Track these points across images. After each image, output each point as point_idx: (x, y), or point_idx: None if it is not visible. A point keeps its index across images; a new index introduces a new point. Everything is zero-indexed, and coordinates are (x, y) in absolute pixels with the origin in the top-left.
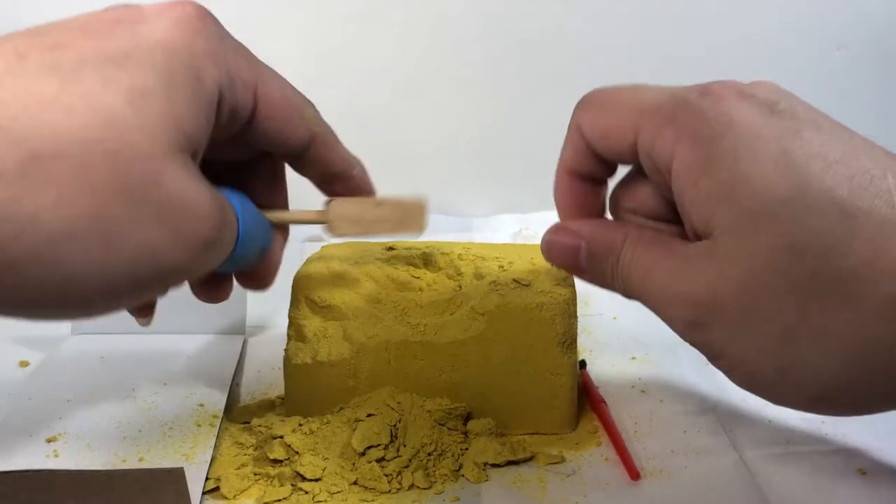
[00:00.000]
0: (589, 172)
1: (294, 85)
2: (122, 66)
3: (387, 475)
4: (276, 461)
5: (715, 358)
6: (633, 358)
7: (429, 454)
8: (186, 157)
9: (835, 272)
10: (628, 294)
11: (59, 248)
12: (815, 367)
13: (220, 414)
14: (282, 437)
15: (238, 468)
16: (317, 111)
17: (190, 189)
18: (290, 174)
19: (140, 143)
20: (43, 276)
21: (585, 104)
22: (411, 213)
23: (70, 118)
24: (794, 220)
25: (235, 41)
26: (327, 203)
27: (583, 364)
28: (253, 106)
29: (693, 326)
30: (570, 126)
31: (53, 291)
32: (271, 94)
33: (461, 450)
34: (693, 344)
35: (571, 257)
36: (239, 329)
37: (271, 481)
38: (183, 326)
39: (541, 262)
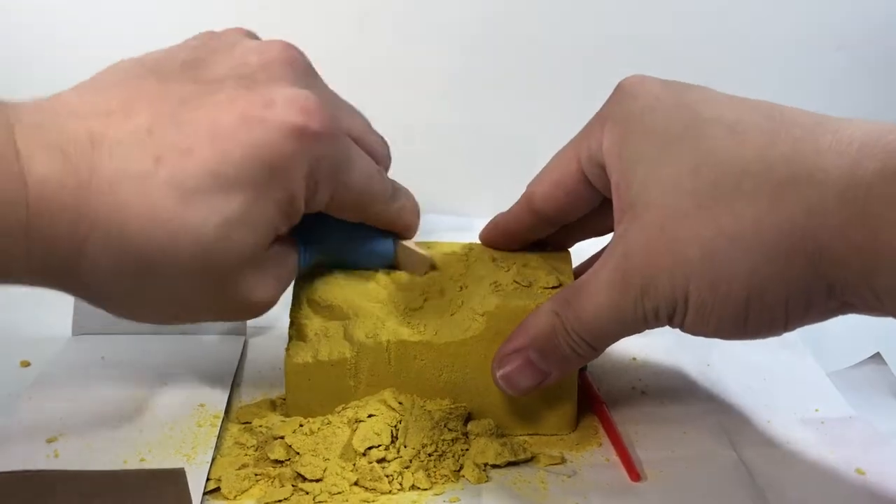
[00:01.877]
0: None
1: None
2: (225, 193)
3: (387, 476)
4: (276, 461)
5: (683, 314)
6: (633, 359)
7: (429, 455)
8: (264, 255)
9: (731, 176)
10: (597, 340)
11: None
12: (738, 272)
13: (221, 414)
14: (282, 437)
15: (239, 468)
16: (386, 195)
17: (258, 291)
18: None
19: (225, 266)
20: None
21: (531, 184)
22: (421, 265)
23: (174, 240)
24: (691, 145)
25: (336, 149)
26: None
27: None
28: (328, 203)
29: (644, 293)
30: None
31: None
32: (342, 198)
33: (462, 450)
34: (659, 316)
35: (532, 373)
36: (240, 329)
37: (272, 482)
38: (183, 327)
39: (541, 262)
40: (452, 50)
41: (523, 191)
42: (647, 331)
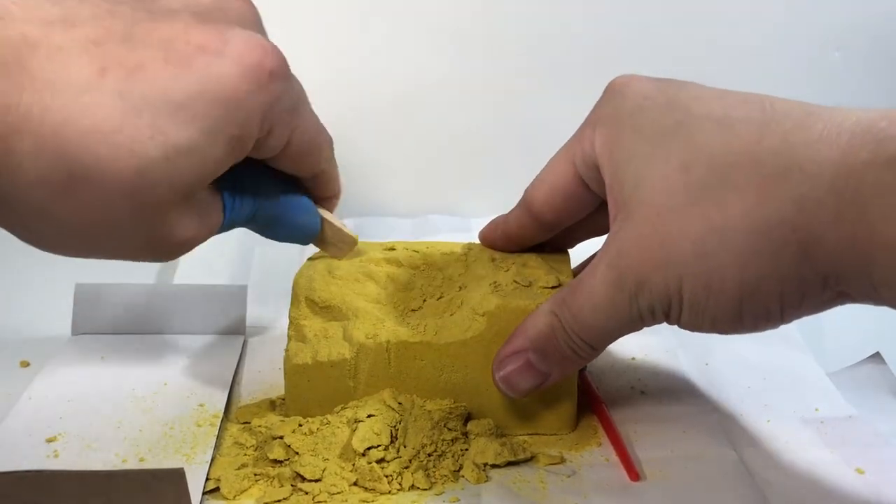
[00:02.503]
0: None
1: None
2: (176, 117)
3: (387, 476)
4: (276, 461)
5: (678, 311)
6: (633, 358)
7: (429, 455)
8: (197, 194)
9: (721, 171)
10: (595, 339)
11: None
12: (730, 266)
13: (221, 414)
14: (282, 437)
15: (238, 468)
16: (331, 149)
17: (181, 230)
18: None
19: (160, 195)
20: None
21: (528, 189)
22: (346, 245)
23: (115, 156)
24: (681, 142)
25: (291, 91)
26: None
27: None
28: (280, 150)
29: (638, 290)
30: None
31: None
32: (299, 142)
33: (461, 450)
34: (654, 313)
35: (532, 374)
36: (239, 329)
37: (271, 482)
38: (183, 326)
39: (540, 262)
40: (452, 50)
41: (522, 191)
42: (646, 330)
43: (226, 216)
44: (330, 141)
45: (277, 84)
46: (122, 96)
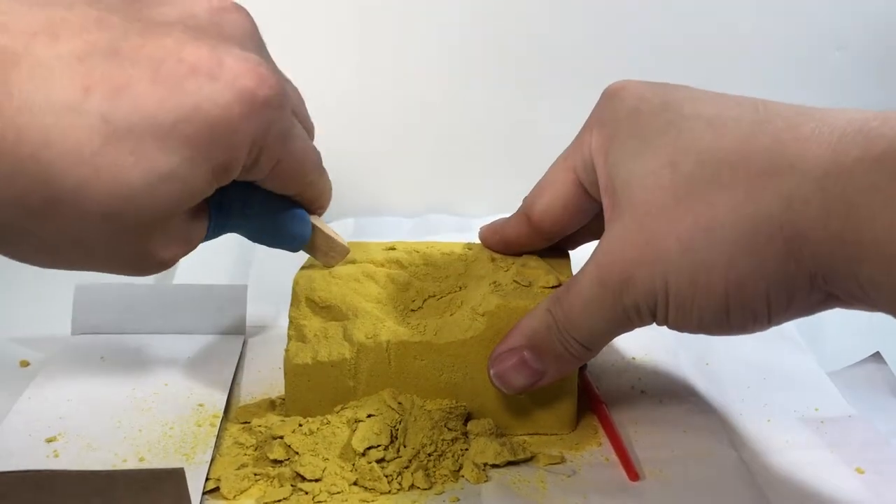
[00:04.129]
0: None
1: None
2: (161, 142)
3: (387, 476)
4: (276, 461)
5: (665, 310)
6: (633, 358)
7: (429, 455)
8: (180, 216)
9: (709, 168)
10: (587, 338)
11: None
12: (716, 263)
13: (221, 414)
14: (282, 437)
15: (238, 468)
16: (319, 167)
17: (163, 250)
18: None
19: (142, 220)
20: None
21: (527, 198)
22: (338, 254)
23: (96, 180)
24: (670, 140)
25: (283, 118)
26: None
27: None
28: (267, 174)
29: (624, 289)
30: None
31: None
32: (285, 166)
33: (461, 450)
34: (640, 312)
35: (527, 371)
36: (239, 329)
37: (271, 482)
38: (183, 326)
39: (540, 261)
40: (453, 49)
41: (522, 191)
42: (646, 329)
43: (209, 230)
44: (318, 160)
45: (270, 112)
46: (106, 119)
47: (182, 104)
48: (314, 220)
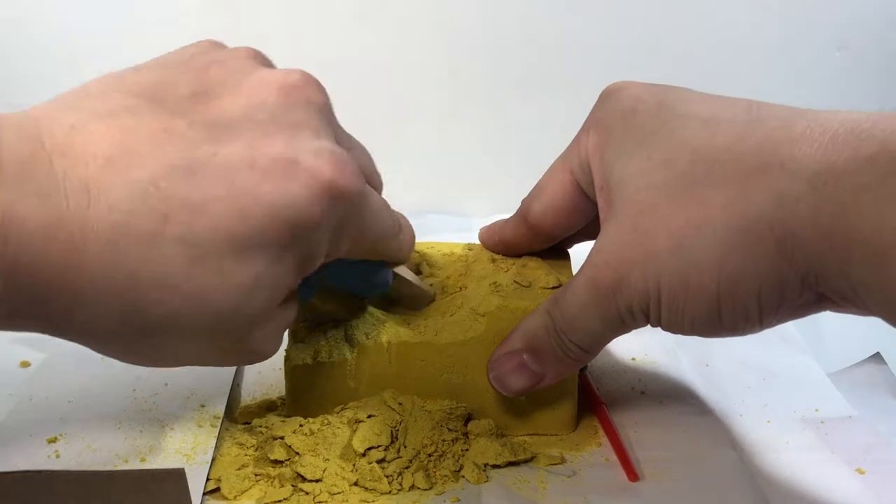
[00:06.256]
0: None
1: None
2: (243, 254)
3: (387, 476)
4: (276, 462)
5: (657, 311)
6: (633, 359)
7: (429, 455)
8: (272, 310)
9: (701, 167)
10: (584, 340)
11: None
12: (707, 262)
13: (221, 414)
14: (282, 437)
15: (239, 469)
16: (394, 230)
17: (262, 343)
18: None
19: (237, 327)
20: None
21: (525, 200)
22: (422, 301)
23: (187, 306)
24: (664, 139)
25: (363, 202)
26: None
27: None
28: (346, 251)
29: (617, 289)
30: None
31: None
32: (363, 241)
33: (462, 451)
34: (634, 312)
35: (526, 374)
36: None
37: (272, 482)
38: None
39: (540, 262)
40: (453, 49)
41: (522, 190)
42: (646, 330)
43: (301, 305)
44: (393, 223)
45: (349, 201)
46: (186, 242)
47: (261, 213)
48: (397, 269)
